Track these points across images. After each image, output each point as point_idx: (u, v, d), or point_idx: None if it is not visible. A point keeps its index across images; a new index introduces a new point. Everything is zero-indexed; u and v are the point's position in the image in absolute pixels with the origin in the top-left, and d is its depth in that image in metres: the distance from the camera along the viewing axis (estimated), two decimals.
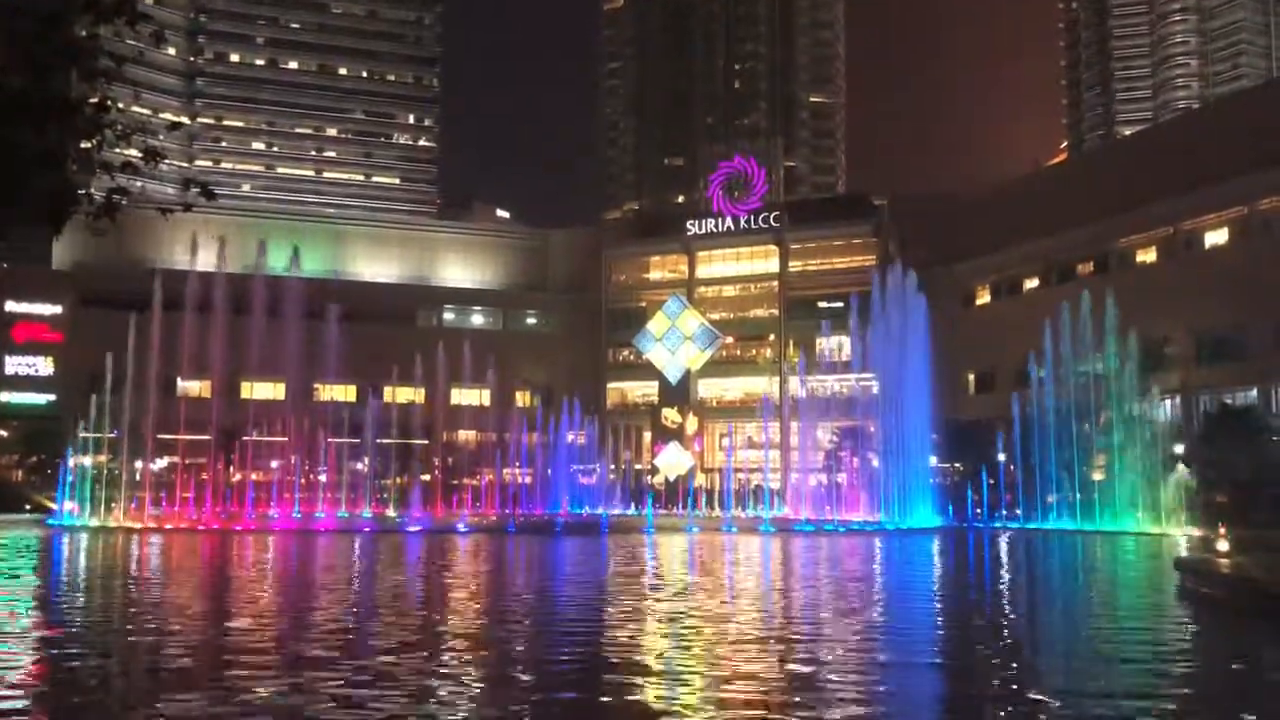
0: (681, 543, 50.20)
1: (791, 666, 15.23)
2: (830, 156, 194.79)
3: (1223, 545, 29.85)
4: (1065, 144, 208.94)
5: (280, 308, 71.72)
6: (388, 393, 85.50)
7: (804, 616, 21.76)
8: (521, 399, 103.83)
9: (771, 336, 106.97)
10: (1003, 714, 12.42)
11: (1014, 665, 16.21)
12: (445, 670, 14.81)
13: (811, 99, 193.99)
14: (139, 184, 9.51)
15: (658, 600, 24.52)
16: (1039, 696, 13.41)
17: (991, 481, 74.08)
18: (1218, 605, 22.62)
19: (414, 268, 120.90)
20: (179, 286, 69.45)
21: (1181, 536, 52.81)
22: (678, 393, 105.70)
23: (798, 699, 12.90)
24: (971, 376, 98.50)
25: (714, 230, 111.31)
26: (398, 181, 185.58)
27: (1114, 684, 14.34)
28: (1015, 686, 14.29)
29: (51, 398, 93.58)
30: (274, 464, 78.57)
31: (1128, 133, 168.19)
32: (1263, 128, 79.20)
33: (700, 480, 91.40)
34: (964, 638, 19.35)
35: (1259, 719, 12.50)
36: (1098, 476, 72.17)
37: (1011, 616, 23.20)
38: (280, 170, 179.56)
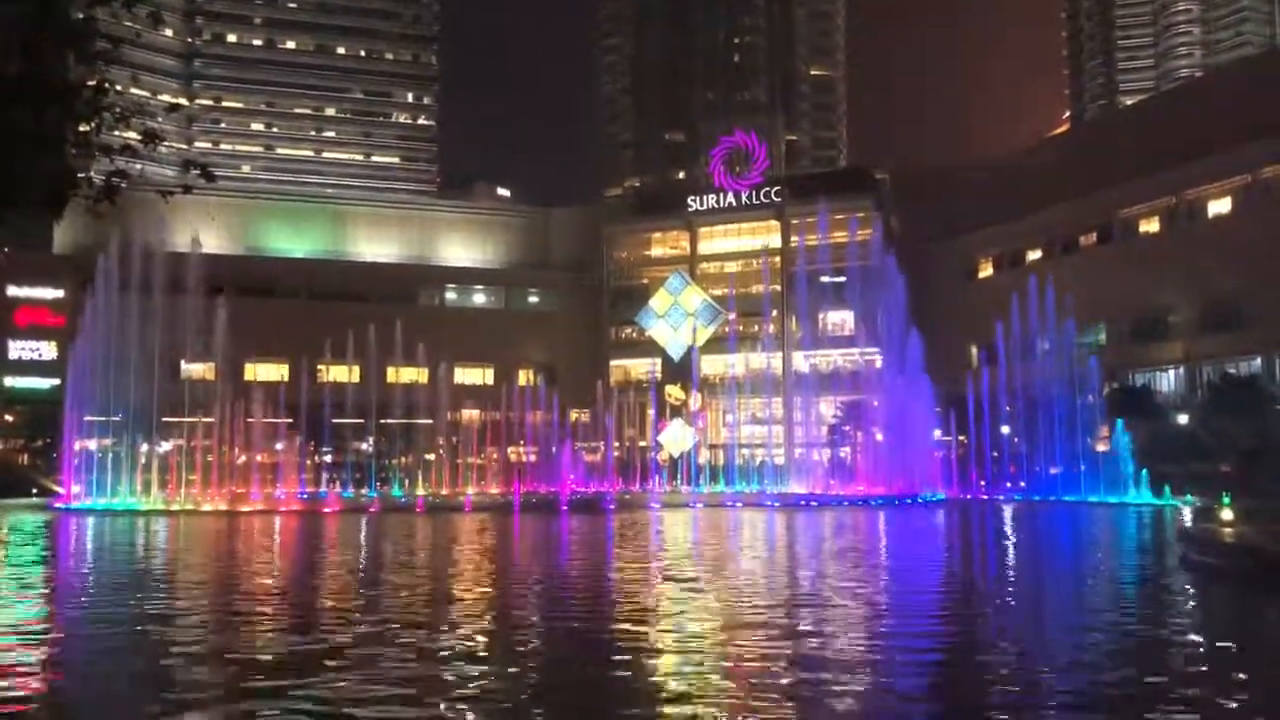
0: (686, 518, 50.38)
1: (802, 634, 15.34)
2: (831, 130, 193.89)
3: (1226, 514, 29.94)
4: (1067, 114, 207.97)
5: (281, 290, 71.83)
6: (391, 373, 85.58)
7: (812, 588, 21.85)
8: (525, 377, 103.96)
9: (774, 312, 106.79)
10: (1004, 682, 12.51)
11: (1013, 641, 16.29)
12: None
13: (812, 72, 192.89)
14: (138, 166, 9.50)
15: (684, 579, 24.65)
16: (1043, 671, 13.49)
17: (995, 454, 74.21)
18: (1221, 574, 22.68)
19: (415, 247, 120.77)
20: (181, 269, 69.49)
21: (1186, 507, 52.95)
22: (681, 369, 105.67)
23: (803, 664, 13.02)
24: (974, 349, 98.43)
25: (715, 206, 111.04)
26: (397, 161, 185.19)
27: (1114, 650, 14.44)
28: (1014, 659, 14.38)
29: (56, 382, 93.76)
30: (279, 445, 78.80)
31: (1130, 102, 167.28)
32: (1266, 95, 78.83)
33: (704, 456, 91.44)
34: (964, 613, 19.44)
35: (1257, 681, 12.56)
36: (1101, 448, 72.32)
37: (1012, 589, 23.27)
38: (279, 151, 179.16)
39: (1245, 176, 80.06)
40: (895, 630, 16.47)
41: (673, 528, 43.51)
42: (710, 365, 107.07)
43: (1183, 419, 73.75)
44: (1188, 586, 22.40)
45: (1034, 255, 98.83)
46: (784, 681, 12.50)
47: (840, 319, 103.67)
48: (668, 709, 11.22)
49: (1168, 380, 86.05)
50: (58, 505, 61.62)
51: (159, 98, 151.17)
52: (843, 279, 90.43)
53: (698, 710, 10.97)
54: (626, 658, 13.93)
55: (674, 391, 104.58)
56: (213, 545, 35.98)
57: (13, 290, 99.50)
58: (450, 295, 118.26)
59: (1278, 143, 74.77)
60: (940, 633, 16.42)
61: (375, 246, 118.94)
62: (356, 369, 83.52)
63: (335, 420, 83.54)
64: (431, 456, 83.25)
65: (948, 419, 75.61)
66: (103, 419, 68.39)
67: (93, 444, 69.04)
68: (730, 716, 10.82)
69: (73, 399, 68.87)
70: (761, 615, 17.40)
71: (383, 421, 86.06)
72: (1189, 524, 36.00)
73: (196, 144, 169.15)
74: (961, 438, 75.84)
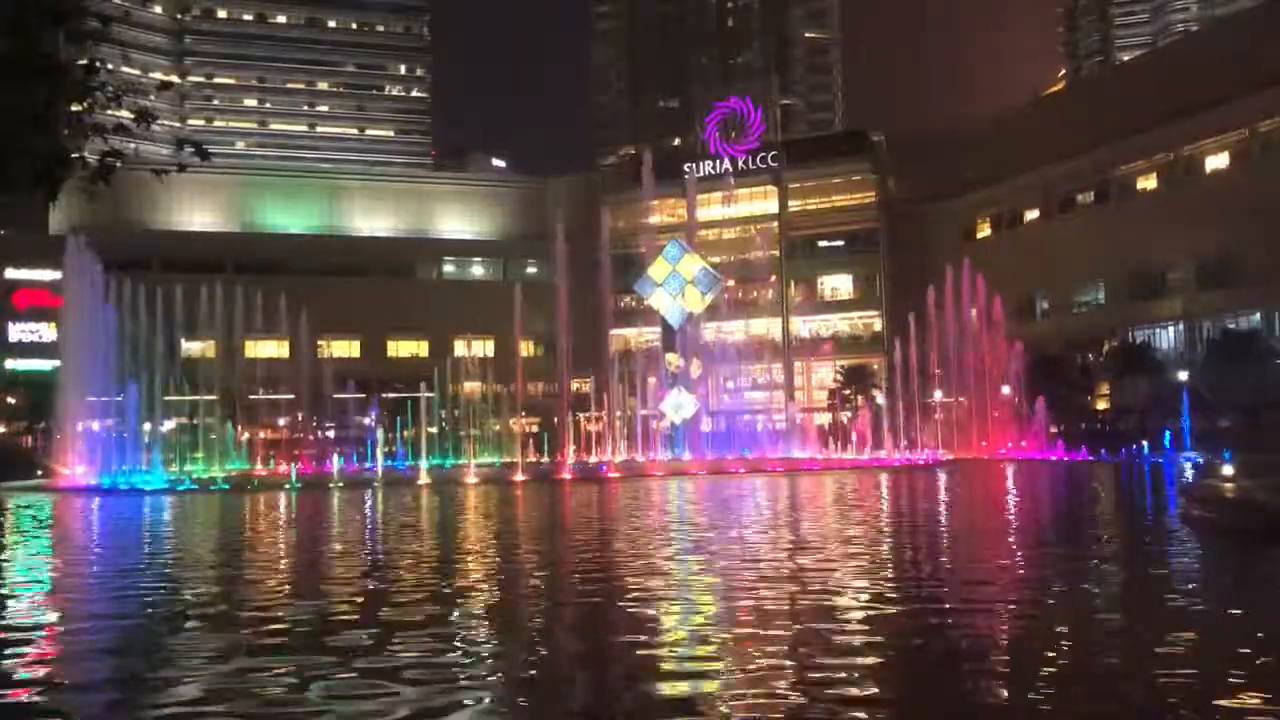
0: (690, 485, 50.55)
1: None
2: (827, 93, 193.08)
3: (1227, 470, 30.01)
4: (1063, 72, 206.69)
5: (279, 266, 71.85)
6: (391, 346, 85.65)
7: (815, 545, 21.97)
8: (526, 348, 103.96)
9: (773, 277, 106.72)
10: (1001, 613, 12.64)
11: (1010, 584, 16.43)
12: None
13: (806, 35, 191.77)
14: (132, 145, 9.50)
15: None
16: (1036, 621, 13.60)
17: (996, 414, 74.42)
18: (1221, 529, 22.80)
19: (412, 220, 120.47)
20: (178, 247, 69.44)
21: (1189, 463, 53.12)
22: (680, 337, 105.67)
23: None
24: (974, 310, 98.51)
25: (712, 172, 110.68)
26: (392, 134, 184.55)
27: (1107, 600, 14.57)
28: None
29: (57, 363, 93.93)
30: (281, 421, 78.98)
31: (1126, 59, 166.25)
32: (1262, 49, 78.41)
33: (706, 424, 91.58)
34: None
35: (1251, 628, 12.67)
36: (1101, 406, 72.50)
37: (1015, 544, 23.42)
38: (273, 126, 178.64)
39: (1242, 131, 79.84)
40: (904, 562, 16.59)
41: (677, 494, 43.70)
42: (710, 332, 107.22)
43: (1182, 375, 73.90)
44: (1186, 539, 22.54)
45: (1031, 215, 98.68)
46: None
47: (838, 283, 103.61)
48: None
49: (1167, 337, 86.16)
50: (61, 486, 61.79)
51: (151, 75, 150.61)
52: (840, 242, 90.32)
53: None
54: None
55: (674, 359, 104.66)
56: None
57: (11, 273, 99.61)
58: (449, 268, 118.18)
59: (1275, 96, 74.45)
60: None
61: (372, 220, 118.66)
62: (357, 344, 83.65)
63: (337, 395, 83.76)
64: (434, 429, 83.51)
65: (946, 380, 75.81)
66: (104, 399, 68.58)
67: (95, 424, 69.24)
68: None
69: (67, 378, 69.10)
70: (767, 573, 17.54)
71: (384, 395, 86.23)
72: (1190, 479, 36.17)
73: (190, 121, 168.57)
74: (961, 399, 76.04)
